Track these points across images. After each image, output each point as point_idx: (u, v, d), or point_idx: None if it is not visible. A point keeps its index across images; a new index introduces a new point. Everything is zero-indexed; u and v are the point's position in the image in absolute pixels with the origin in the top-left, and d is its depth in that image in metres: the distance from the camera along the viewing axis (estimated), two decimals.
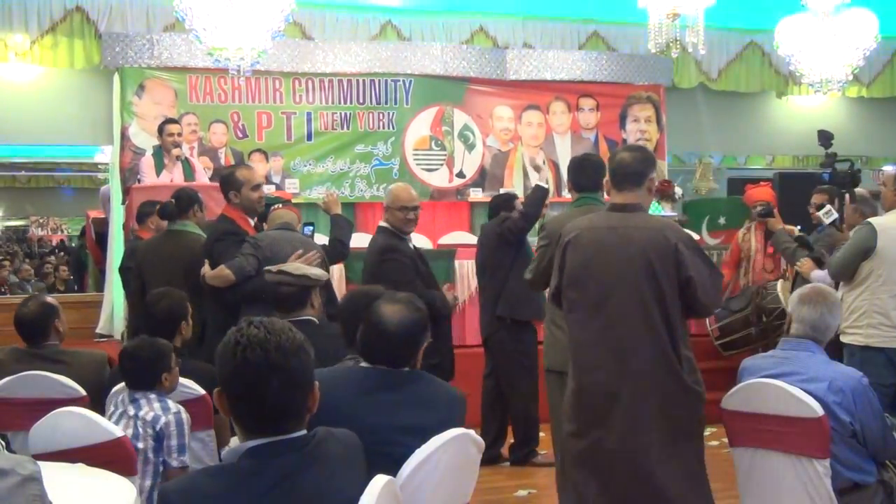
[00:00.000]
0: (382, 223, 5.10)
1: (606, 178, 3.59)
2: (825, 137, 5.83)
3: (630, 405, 3.27)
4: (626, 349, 3.30)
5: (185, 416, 3.30)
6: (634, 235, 3.32)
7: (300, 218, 5.17)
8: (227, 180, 4.79)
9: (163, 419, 3.22)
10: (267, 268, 3.89)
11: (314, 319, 3.77)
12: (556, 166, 9.51)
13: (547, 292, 3.82)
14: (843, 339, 4.81)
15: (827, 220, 5.75)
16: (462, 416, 2.72)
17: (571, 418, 3.47)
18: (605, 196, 4.08)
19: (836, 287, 4.94)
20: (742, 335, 6.74)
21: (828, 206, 5.76)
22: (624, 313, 3.30)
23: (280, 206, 4.97)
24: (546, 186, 5.89)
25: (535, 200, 5.74)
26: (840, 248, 5.07)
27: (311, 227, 5.26)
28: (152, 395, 3.31)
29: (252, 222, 4.85)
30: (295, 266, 3.84)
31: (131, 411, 3.27)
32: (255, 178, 4.88)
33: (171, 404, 3.32)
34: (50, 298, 4.26)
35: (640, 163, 3.44)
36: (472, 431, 2.62)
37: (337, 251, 5.12)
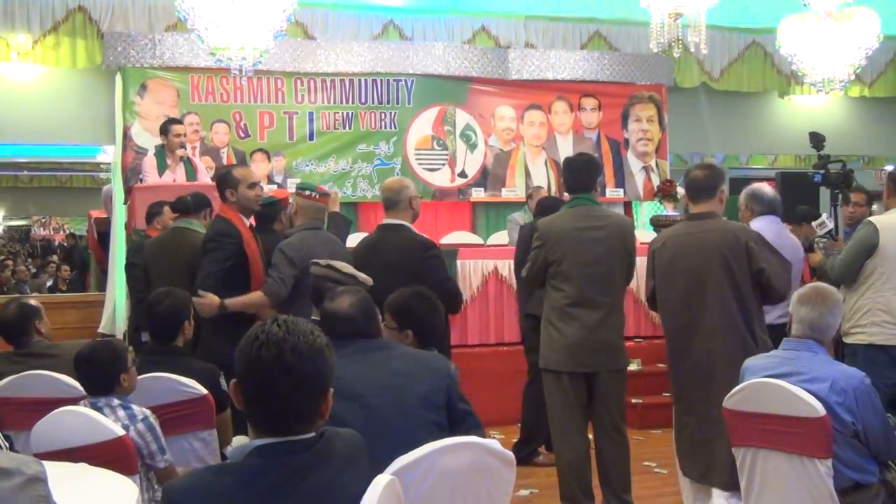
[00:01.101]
0: (399, 221, 4.56)
1: (683, 193, 4.08)
2: (817, 139, 5.83)
3: (719, 381, 3.76)
4: (711, 334, 3.91)
5: (153, 419, 3.20)
6: (709, 238, 3.95)
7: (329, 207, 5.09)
8: (224, 178, 4.76)
9: (132, 429, 3.12)
10: (315, 260, 3.85)
11: None
12: (557, 166, 9.50)
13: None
14: (847, 340, 4.79)
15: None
16: (447, 369, 2.91)
17: (675, 394, 4.13)
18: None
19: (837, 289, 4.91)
20: None
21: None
22: (707, 304, 3.92)
23: (315, 195, 4.82)
24: None
25: None
26: (840, 251, 5.04)
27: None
28: (115, 402, 3.20)
29: (248, 222, 4.80)
30: (343, 264, 3.79)
31: None
32: (252, 176, 4.83)
33: (137, 410, 3.20)
34: (32, 300, 4.27)
35: (711, 178, 4.05)
36: (489, 441, 2.46)
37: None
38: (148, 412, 3.22)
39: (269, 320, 1.93)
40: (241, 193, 4.68)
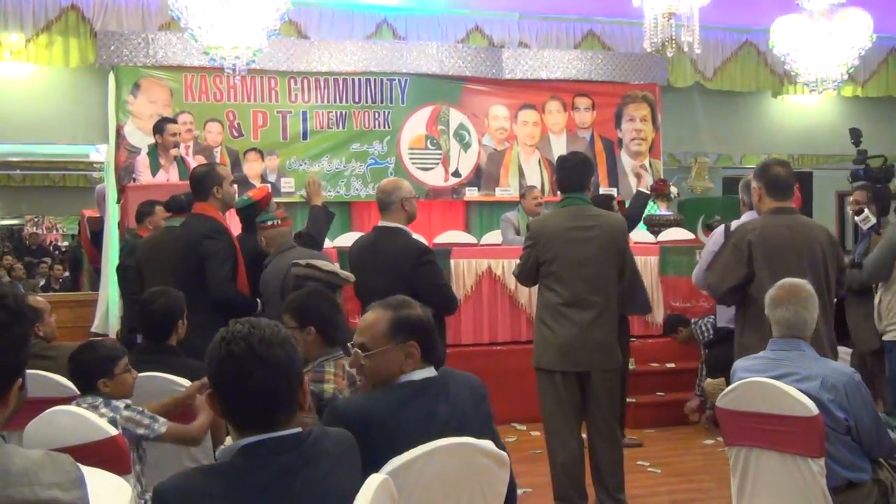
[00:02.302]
0: (393, 223, 4.45)
1: (758, 186, 4.14)
2: (856, 135, 5.80)
3: None
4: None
5: (134, 406, 3.21)
6: (808, 232, 4.12)
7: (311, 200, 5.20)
8: (210, 176, 4.73)
9: (119, 419, 3.12)
10: (295, 261, 3.83)
11: None
12: (551, 165, 9.50)
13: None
14: (885, 338, 4.95)
15: (865, 227, 5.66)
16: (483, 395, 2.63)
17: None
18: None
19: (876, 288, 5.09)
20: None
21: (865, 213, 5.67)
22: None
23: (276, 222, 4.72)
24: (647, 192, 6.01)
25: (639, 205, 6.42)
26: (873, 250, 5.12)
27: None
28: (98, 401, 3.19)
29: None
30: (323, 262, 3.77)
31: None
32: (231, 174, 4.91)
33: (117, 402, 3.20)
34: (36, 300, 4.23)
35: (791, 177, 4.24)
36: (483, 442, 2.42)
37: (307, 246, 4.85)
38: (128, 401, 3.23)
39: (230, 322, 1.96)
40: (226, 190, 4.73)
